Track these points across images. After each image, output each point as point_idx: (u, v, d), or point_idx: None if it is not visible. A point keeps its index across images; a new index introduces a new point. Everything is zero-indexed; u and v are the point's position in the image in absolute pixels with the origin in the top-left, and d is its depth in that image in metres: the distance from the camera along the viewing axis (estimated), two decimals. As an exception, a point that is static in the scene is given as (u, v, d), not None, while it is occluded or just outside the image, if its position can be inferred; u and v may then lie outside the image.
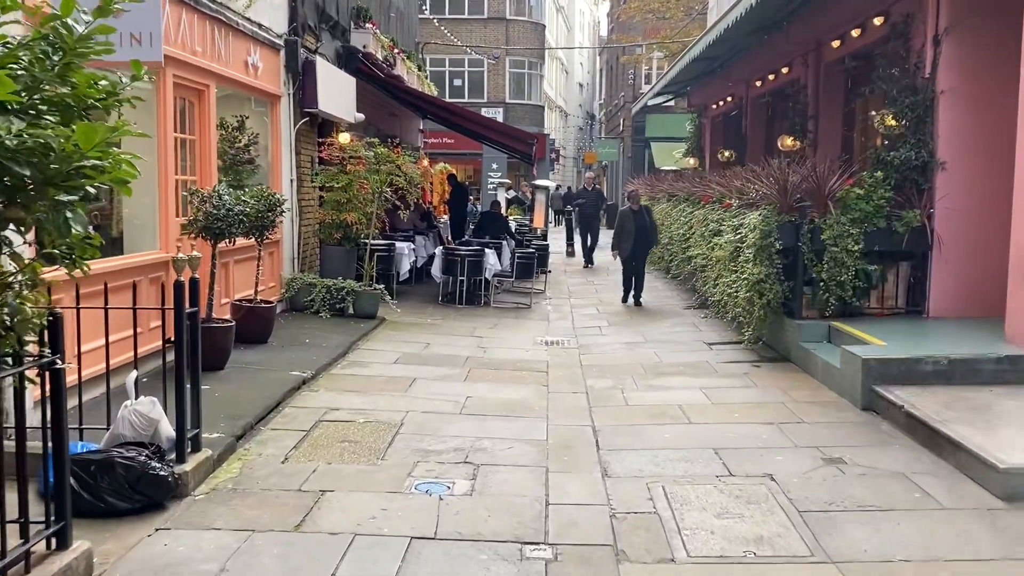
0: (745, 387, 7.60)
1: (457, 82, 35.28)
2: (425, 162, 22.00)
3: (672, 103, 32.68)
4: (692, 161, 20.38)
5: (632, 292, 12.66)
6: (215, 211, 7.05)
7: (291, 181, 10.77)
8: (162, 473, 4.52)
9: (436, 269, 12.50)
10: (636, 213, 12.41)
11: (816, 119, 12.14)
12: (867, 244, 8.24)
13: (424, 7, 25.48)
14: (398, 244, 12.74)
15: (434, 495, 4.87)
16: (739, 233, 9.04)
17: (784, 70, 13.51)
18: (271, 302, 8.78)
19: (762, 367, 8.37)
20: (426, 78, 19.34)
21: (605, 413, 6.76)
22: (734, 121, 17.29)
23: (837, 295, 8.30)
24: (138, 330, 5.48)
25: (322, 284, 10.39)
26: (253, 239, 8.48)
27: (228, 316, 8.52)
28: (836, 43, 11.17)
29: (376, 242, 12.10)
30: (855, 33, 10.44)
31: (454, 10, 34.89)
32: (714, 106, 19.12)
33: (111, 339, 5.05)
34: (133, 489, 4.42)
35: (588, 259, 18.69)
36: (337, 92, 11.70)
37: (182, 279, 4.85)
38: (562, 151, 51.24)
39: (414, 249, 13.57)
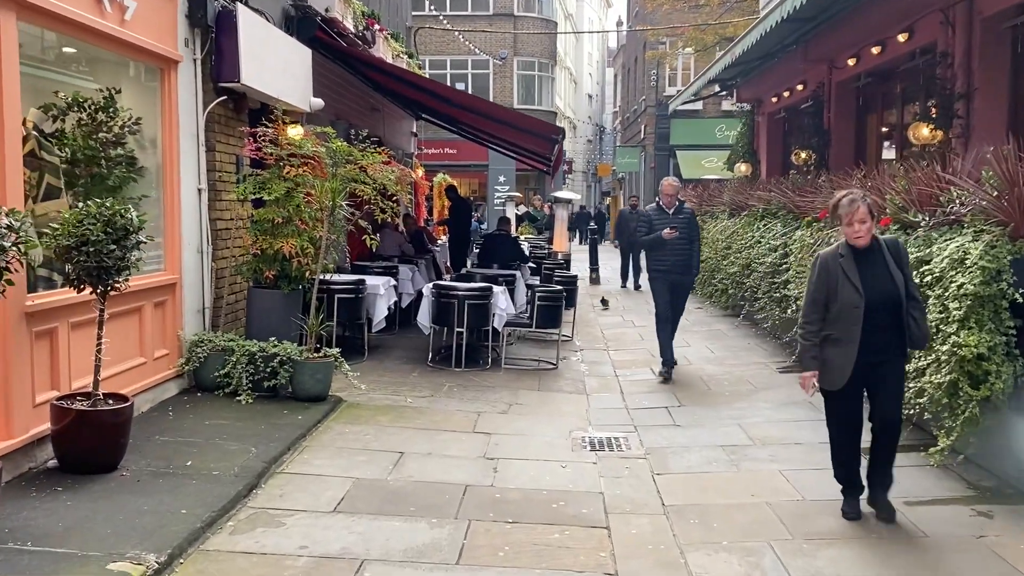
0: (1015, 589, 3.88)
1: (460, 85, 31.63)
2: (420, 172, 18.41)
3: (700, 106, 29.22)
4: (744, 167, 16.75)
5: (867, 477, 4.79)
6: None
7: (199, 191, 7.11)
8: None
9: (423, 316, 8.80)
10: (864, 256, 4.52)
11: (968, 99, 8.45)
12: None
13: (422, -2, 22.03)
14: (370, 281, 9.05)
15: None
16: (924, 272, 5.34)
17: (901, 37, 9.84)
18: (124, 398, 5.09)
19: (996, 519, 4.64)
20: (419, 68, 15.73)
21: None
22: (807, 115, 13.62)
23: (1125, 385, 4.60)
24: None
25: (242, 350, 6.70)
26: (90, 290, 4.84)
27: (48, 425, 4.87)
28: (1011, -17, 7.52)
29: (336, 278, 8.43)
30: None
31: (456, 6, 31.42)
32: (774, 99, 15.49)
33: None
34: None
35: (669, 363, 8.38)
36: (278, 64, 8.07)
37: None
38: (573, 164, 47.73)
39: (396, 285, 9.89)
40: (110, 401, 5.01)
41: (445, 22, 23.41)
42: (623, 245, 17.56)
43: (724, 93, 20.59)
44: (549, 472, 5.52)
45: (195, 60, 7.02)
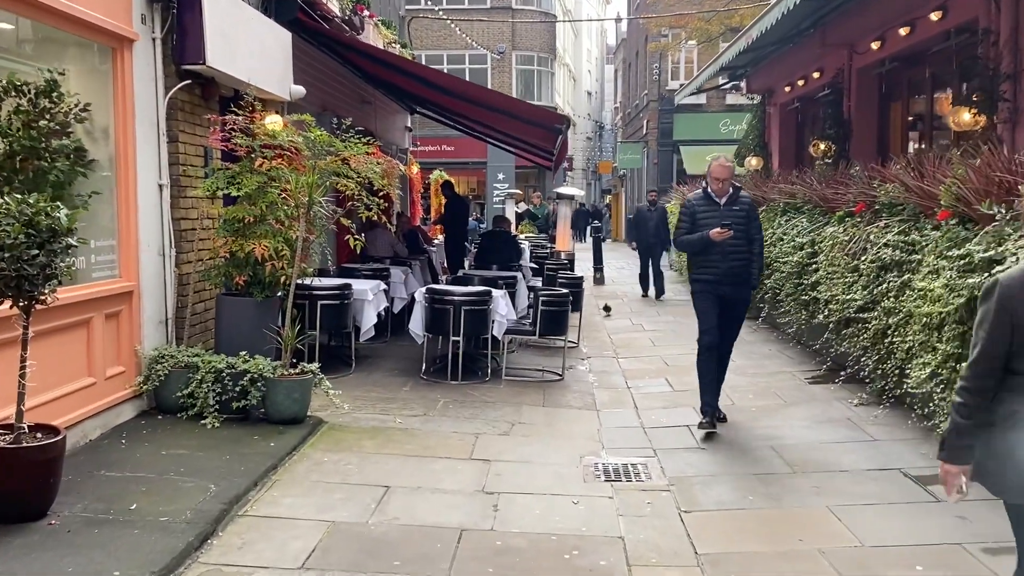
0: None
1: (457, 81, 30.88)
2: (415, 168, 17.63)
3: (704, 100, 28.43)
4: (754, 161, 15.93)
5: None
6: None
7: (160, 187, 6.32)
8: None
9: (416, 324, 8.01)
10: None
11: (1015, 80, 7.65)
12: None
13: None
14: (357, 285, 8.25)
15: None
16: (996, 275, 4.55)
17: (934, 16, 9.03)
18: (55, 430, 4.29)
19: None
20: (412, 59, 14.92)
21: None
22: (824, 104, 12.76)
23: None
24: None
25: (208, 366, 5.91)
26: (10, 304, 4.06)
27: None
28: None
29: (318, 283, 7.65)
30: None
31: (452, -1, 30.59)
32: (787, 88, 14.67)
33: None
34: None
35: (710, 409, 6.31)
36: (252, 47, 7.27)
37: None
38: (572, 161, 46.94)
39: (386, 289, 9.10)
40: (38, 435, 4.21)
41: (440, 12, 22.59)
42: (641, 248, 15.09)
43: (730, 86, 19.82)
44: (559, 510, 4.73)
45: (154, 39, 6.23)
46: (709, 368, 6.27)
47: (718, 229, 6.01)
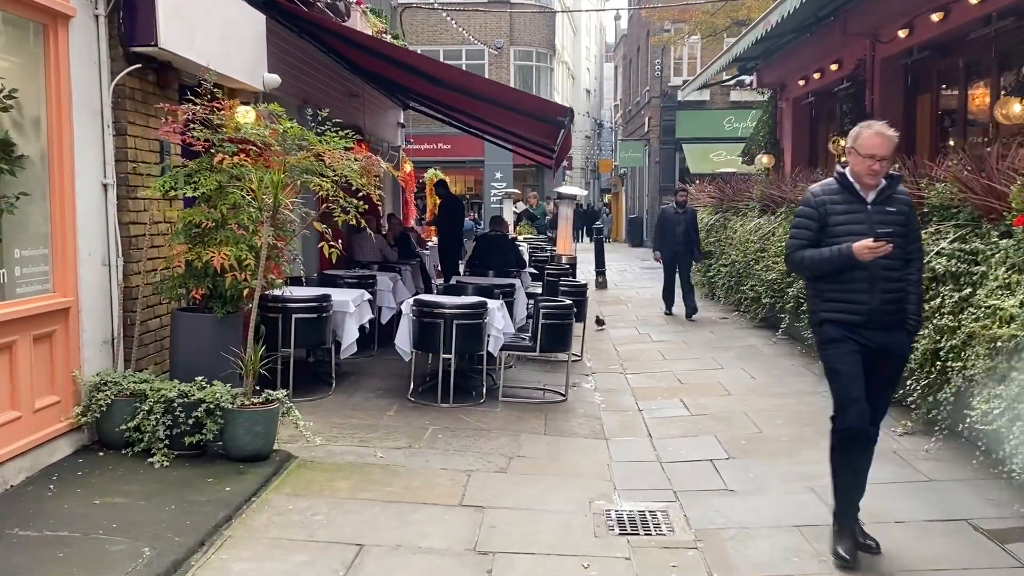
0: None
1: (453, 77, 30.03)
2: (408, 167, 16.81)
3: (707, 96, 27.62)
4: (766, 159, 15.15)
5: None
6: None
7: (104, 186, 5.50)
8: None
9: (402, 339, 7.18)
10: None
11: (1072, 66, 6.87)
12: None
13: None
14: (338, 296, 7.42)
15: None
16: None
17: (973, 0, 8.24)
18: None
19: None
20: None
21: None
22: (842, 98, 11.98)
23: None
24: None
25: (157, 395, 5.09)
26: None
27: None
28: None
29: (293, 294, 6.82)
30: None
31: (449, -7, 29.74)
32: (800, 82, 13.86)
33: None
34: None
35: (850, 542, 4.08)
36: (217, 28, 6.45)
37: None
38: (572, 160, 46.11)
39: (371, 300, 8.27)
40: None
41: (435, 4, 21.78)
42: (666, 258, 12.41)
43: (734, 83, 19.02)
44: (566, 577, 3.92)
45: (96, 16, 5.42)
46: (854, 464, 4.11)
47: (869, 241, 3.77)
